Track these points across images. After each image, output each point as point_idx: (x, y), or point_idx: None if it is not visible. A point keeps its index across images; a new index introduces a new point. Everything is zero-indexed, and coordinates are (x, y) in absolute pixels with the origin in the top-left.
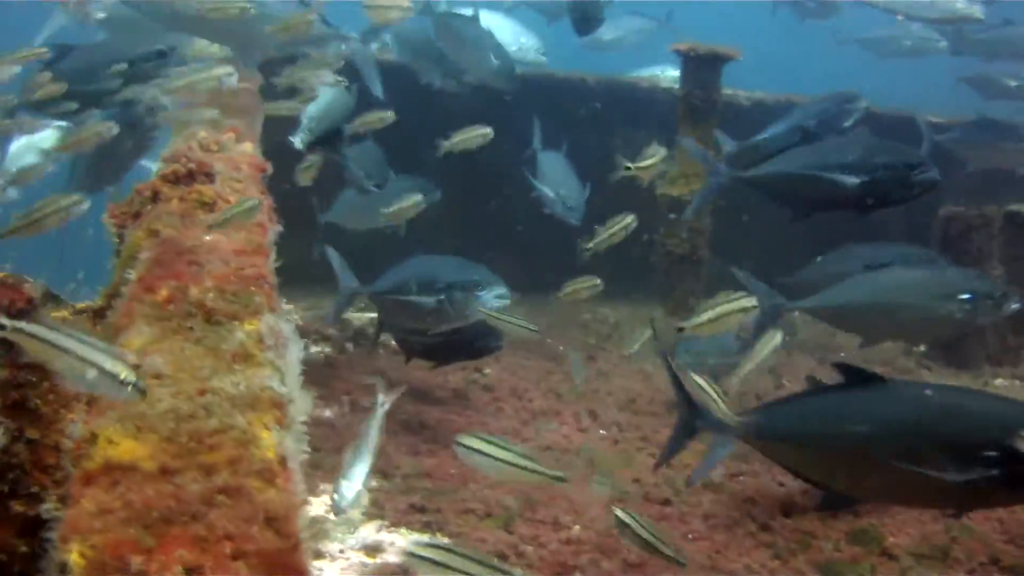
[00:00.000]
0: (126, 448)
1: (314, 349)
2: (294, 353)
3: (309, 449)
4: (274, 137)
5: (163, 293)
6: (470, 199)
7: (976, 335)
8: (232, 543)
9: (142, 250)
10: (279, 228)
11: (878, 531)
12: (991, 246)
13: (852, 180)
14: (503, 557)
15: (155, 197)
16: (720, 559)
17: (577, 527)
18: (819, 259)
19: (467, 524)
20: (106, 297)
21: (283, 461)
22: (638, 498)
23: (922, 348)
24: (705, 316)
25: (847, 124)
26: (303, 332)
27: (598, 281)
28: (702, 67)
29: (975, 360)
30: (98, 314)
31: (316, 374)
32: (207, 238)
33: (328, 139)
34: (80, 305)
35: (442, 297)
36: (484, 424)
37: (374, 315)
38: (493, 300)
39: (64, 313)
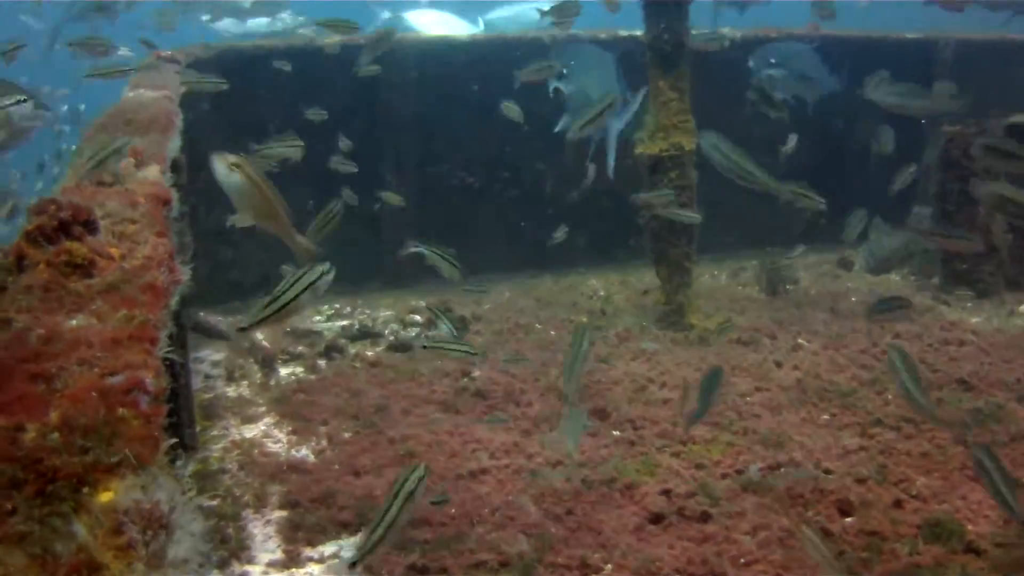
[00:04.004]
0: None
1: (284, 372)
2: (186, 547)
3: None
4: None
5: None
6: (454, 178)
7: (994, 261)
8: None
9: None
10: (184, 277)
11: (954, 520)
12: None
13: None
14: None
15: (20, 263)
16: None
17: (609, 567)
18: None
19: None
20: None
21: None
22: (672, 515)
23: (935, 280)
24: None
25: None
26: (269, 356)
27: None
28: (668, 8)
29: (994, 287)
30: None
31: (288, 404)
32: (72, 323)
33: None
34: None
35: None
36: (482, 443)
37: (345, 323)
38: None
39: None
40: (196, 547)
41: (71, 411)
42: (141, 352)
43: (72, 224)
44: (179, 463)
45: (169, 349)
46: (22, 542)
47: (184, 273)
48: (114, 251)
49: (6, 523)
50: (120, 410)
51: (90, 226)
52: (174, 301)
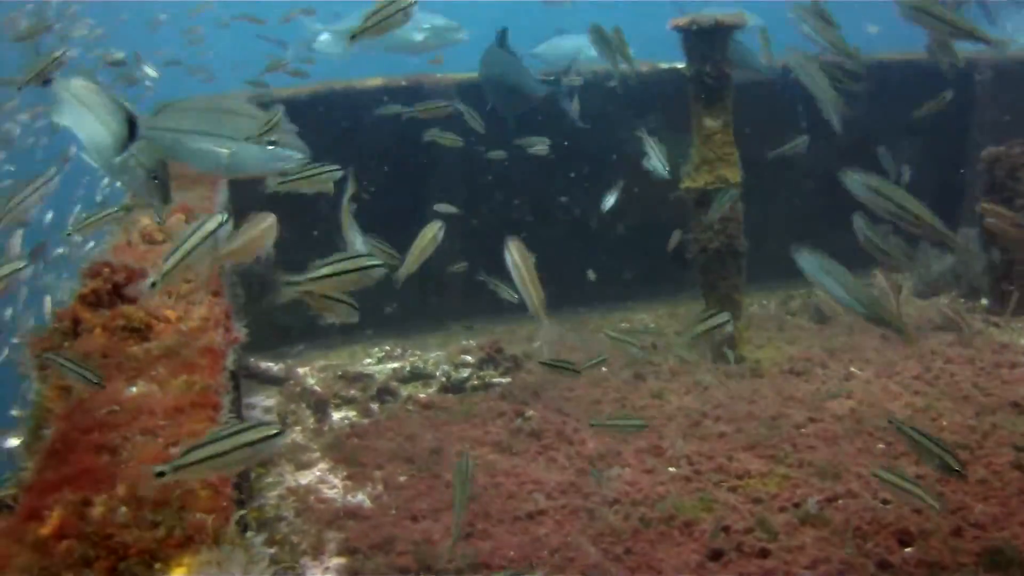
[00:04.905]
0: None
1: (337, 416)
2: None
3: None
4: None
5: (53, 521)
6: (488, 208)
7: None
8: None
9: (47, 421)
10: (241, 336)
11: (1014, 547)
12: None
13: None
14: None
15: (76, 327)
16: None
17: None
18: None
19: None
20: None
21: None
22: (731, 551)
23: (984, 302)
24: None
25: None
26: (322, 401)
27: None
28: (708, 40)
29: None
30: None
31: (342, 449)
32: (132, 390)
33: None
34: None
35: None
36: (539, 483)
37: (396, 365)
38: None
39: None
40: None
41: (138, 483)
42: (204, 420)
43: (127, 286)
44: (250, 533)
45: (231, 415)
46: None
47: (240, 331)
48: (170, 313)
49: None
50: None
51: None
52: (231, 361)
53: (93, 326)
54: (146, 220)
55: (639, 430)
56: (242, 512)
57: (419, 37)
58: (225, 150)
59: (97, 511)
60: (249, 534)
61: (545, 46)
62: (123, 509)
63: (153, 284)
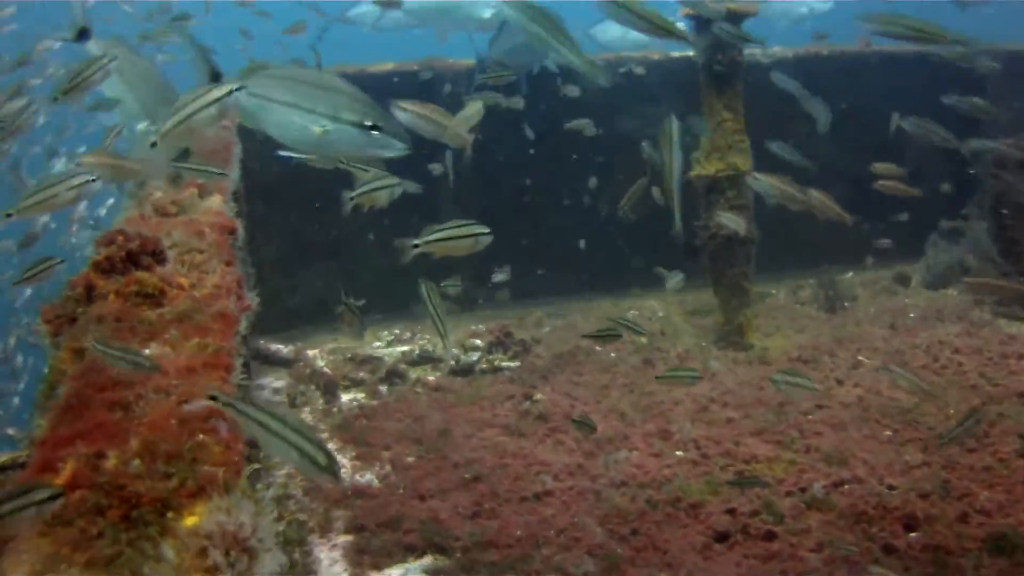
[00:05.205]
0: None
1: (345, 398)
2: (268, 567)
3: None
4: None
5: (66, 472)
6: (503, 204)
7: None
8: None
9: (60, 382)
10: (253, 304)
11: (1019, 533)
12: None
13: None
14: None
15: (89, 294)
16: None
17: None
18: None
19: None
20: (32, 448)
21: None
22: (737, 533)
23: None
24: None
25: None
26: (331, 383)
27: None
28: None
29: None
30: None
31: (351, 429)
32: (146, 352)
33: None
34: (2, 458)
35: None
36: (546, 465)
37: (405, 348)
38: None
39: None
40: (279, 566)
41: (151, 438)
42: (217, 380)
43: (140, 254)
44: (259, 486)
45: (243, 376)
46: (109, 565)
47: (252, 300)
48: (183, 280)
49: (93, 547)
50: (200, 436)
51: (158, 256)
52: (243, 327)
53: (107, 292)
54: (159, 192)
55: (695, 381)
56: (255, 466)
57: (487, 14)
58: (318, 128)
59: (110, 463)
60: (260, 486)
61: (596, 28)
62: (136, 461)
63: (153, 144)
